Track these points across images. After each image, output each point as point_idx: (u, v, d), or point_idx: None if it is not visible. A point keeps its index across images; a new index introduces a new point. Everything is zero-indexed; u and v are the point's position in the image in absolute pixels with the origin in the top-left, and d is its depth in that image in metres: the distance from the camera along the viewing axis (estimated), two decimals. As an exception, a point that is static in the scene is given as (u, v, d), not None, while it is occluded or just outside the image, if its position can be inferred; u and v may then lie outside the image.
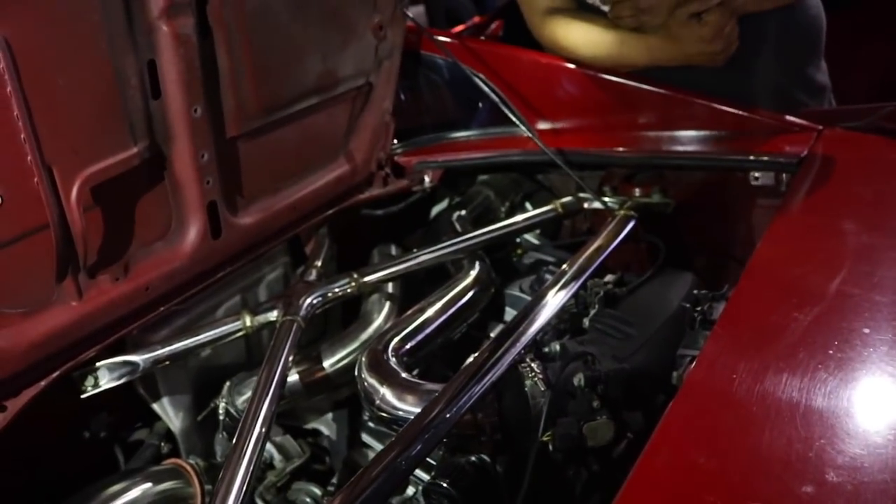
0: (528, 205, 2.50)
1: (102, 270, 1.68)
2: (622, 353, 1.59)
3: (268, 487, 1.88)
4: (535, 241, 2.39)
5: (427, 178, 2.37)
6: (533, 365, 1.54)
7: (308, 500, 1.88)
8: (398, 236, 2.37)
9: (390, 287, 2.05)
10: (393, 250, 2.30)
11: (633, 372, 1.55)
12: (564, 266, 1.80)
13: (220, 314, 2.00)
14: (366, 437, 1.86)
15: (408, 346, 1.74)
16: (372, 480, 1.28)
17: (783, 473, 1.07)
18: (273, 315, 1.85)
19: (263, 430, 1.50)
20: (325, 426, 2.00)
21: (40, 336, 1.59)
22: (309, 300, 1.85)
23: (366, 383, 1.62)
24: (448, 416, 1.40)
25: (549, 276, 2.06)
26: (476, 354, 1.55)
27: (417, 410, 1.48)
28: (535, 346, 1.61)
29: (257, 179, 1.96)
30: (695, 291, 1.67)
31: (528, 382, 1.53)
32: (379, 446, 1.83)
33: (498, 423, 1.52)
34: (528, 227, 2.24)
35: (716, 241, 2.18)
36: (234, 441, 1.47)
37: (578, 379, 1.51)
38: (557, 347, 1.62)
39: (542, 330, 1.61)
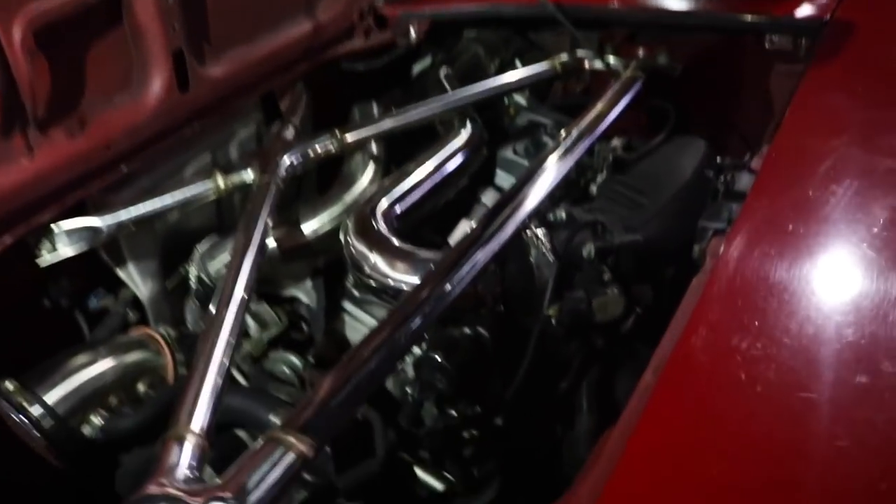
0: (518, 64, 2.28)
1: (55, 125, 1.49)
2: (634, 222, 1.45)
3: (244, 357, 1.75)
4: (524, 103, 2.19)
5: (412, 31, 2.13)
6: (538, 233, 1.40)
7: (287, 370, 1.75)
8: (379, 94, 2.15)
9: (374, 147, 1.86)
10: (374, 109, 2.09)
11: (646, 243, 1.41)
12: (567, 129, 1.63)
13: (189, 174, 1.80)
14: (348, 305, 1.71)
15: (397, 210, 1.58)
16: (367, 359, 1.15)
17: (835, 363, 0.96)
18: (248, 175, 1.66)
19: (244, 298, 1.35)
20: (304, 293, 1.85)
21: None
22: (288, 159, 1.66)
23: (354, 249, 1.47)
24: (449, 287, 1.26)
25: (546, 139, 1.89)
26: (476, 221, 1.40)
27: (411, 280, 1.35)
28: (540, 213, 1.45)
29: (228, 27, 1.74)
30: (717, 159, 1.50)
31: (533, 252, 1.39)
32: (362, 315, 1.68)
33: (500, 295, 1.39)
34: (522, 87, 2.04)
35: (724, 108, 2.01)
36: (213, 310, 1.32)
37: (588, 250, 1.37)
38: (563, 215, 1.47)
39: (548, 196, 1.45)
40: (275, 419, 1.46)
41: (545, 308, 1.34)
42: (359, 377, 1.11)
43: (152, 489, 1.04)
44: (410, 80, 2.29)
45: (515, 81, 1.98)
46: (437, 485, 1.46)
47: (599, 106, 1.70)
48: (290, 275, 1.82)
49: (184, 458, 1.07)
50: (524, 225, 1.39)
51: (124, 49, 1.55)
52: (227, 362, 1.23)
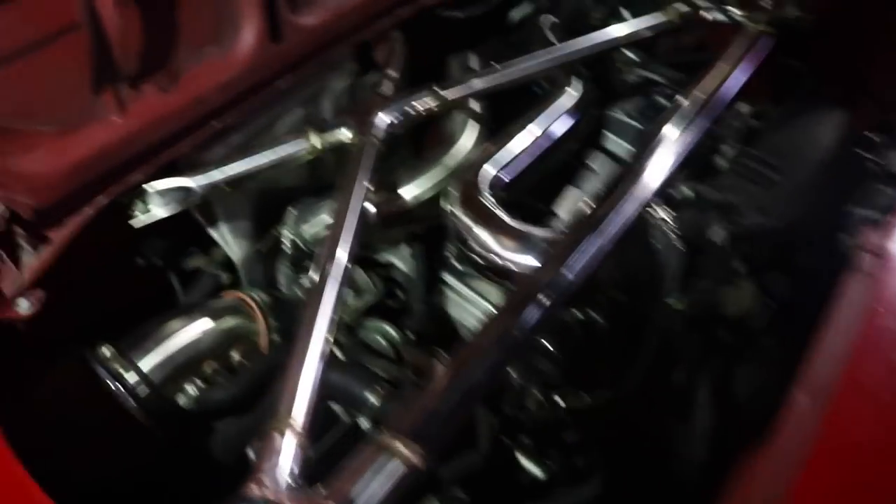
0: (624, 13, 2.09)
1: (146, 79, 1.41)
2: (768, 203, 1.29)
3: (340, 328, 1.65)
4: (634, 58, 1.99)
5: (518, -26, 1.96)
6: (662, 213, 1.25)
7: (382, 340, 1.66)
8: (476, 44, 1.99)
9: (476, 105, 1.72)
10: (473, 62, 1.93)
11: (783, 228, 1.25)
12: (686, 91, 1.45)
13: (281, 130, 1.69)
14: (447, 277, 1.58)
15: (504, 179, 1.44)
16: (481, 356, 1.03)
17: None
18: (344, 134, 1.54)
19: (347, 268, 1.25)
20: (400, 260, 1.73)
21: (81, 157, 1.34)
22: (385, 118, 1.53)
23: (459, 223, 1.35)
24: (568, 274, 1.13)
25: (662, 100, 1.72)
26: (595, 199, 1.26)
27: (522, 260, 1.23)
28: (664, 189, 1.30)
29: (323, -29, 1.61)
30: (868, 134, 1.32)
31: (656, 234, 1.24)
32: (463, 288, 1.56)
33: (620, 281, 1.25)
34: (636, 40, 1.84)
35: (860, 70, 1.78)
36: (314, 277, 1.24)
37: (718, 234, 1.22)
38: (689, 193, 1.31)
39: (674, 171, 1.29)
40: (371, 397, 1.38)
41: (668, 297, 1.20)
42: (473, 377, 1.00)
43: (252, 491, 0.96)
44: (508, 30, 2.12)
45: (629, 34, 1.79)
46: (539, 473, 1.36)
47: (723, 66, 1.51)
48: (386, 239, 1.71)
49: (284, 457, 0.99)
50: (647, 203, 1.24)
51: (214, -1, 1.44)
52: (328, 345, 1.14)
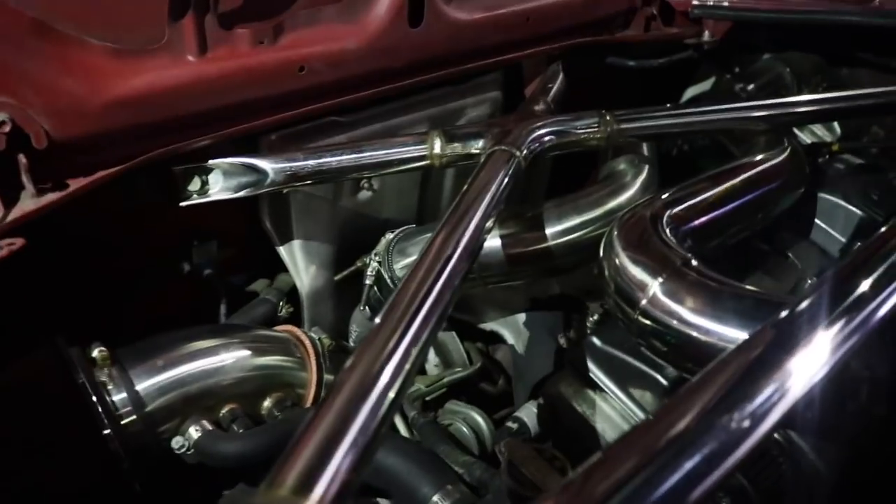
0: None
1: (241, 23, 1.06)
2: None
3: (412, 399, 1.19)
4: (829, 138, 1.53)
5: (707, 32, 1.55)
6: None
7: (465, 429, 1.17)
8: (647, 102, 1.56)
9: (646, 149, 1.27)
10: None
11: None
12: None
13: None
14: (589, 364, 1.07)
15: (692, 224, 0.98)
16: (629, 477, 0.54)
17: None
18: (477, 145, 1.11)
19: (434, 315, 0.75)
20: (511, 331, 1.27)
21: (135, 91, 0.99)
22: (537, 133, 1.09)
23: (621, 272, 0.88)
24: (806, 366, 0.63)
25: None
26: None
27: (728, 332, 0.75)
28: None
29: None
30: None
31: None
32: (608, 384, 1.04)
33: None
34: (846, 112, 1.36)
35: None
36: (377, 320, 0.74)
37: None
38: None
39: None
40: (438, 497, 0.92)
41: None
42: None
43: None
44: (686, 96, 1.70)
45: (843, 103, 1.31)
46: None
47: None
48: (500, 301, 1.24)
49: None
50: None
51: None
52: (390, 403, 0.65)
